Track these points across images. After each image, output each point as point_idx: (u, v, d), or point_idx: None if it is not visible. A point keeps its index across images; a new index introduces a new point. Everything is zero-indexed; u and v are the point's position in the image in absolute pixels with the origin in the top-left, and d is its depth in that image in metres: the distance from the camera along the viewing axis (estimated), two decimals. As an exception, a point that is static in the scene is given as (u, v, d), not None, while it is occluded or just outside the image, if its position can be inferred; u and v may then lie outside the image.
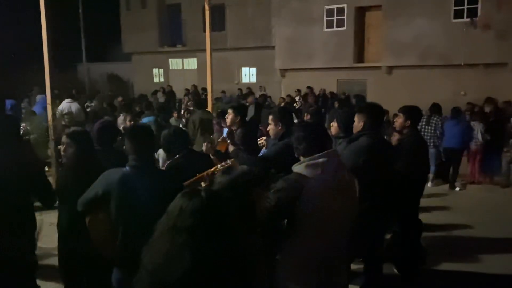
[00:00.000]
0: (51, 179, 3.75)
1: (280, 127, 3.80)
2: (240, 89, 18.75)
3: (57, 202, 3.41)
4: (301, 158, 2.51)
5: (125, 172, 2.76)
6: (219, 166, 3.05)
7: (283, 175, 3.36)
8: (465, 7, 14.61)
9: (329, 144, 2.88)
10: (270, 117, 3.89)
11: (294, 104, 14.37)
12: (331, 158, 2.44)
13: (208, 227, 1.48)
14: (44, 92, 7.58)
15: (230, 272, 1.49)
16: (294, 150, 2.59)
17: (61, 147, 3.33)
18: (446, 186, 8.43)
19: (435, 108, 8.37)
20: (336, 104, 11.55)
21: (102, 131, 3.86)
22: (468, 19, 14.28)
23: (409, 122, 4.40)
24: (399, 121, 4.49)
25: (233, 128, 4.92)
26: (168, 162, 3.66)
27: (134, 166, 2.78)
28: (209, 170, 3.05)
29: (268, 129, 3.98)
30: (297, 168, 2.44)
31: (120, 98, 14.57)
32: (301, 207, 2.31)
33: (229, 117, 4.91)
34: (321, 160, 2.39)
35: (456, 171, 8.36)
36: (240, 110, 5.03)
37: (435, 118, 8.08)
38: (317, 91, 16.36)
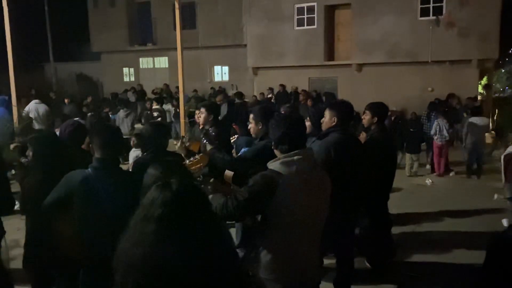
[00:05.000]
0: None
1: (260, 127, 3.78)
2: (212, 88, 18.68)
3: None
4: (278, 154, 2.52)
5: (87, 174, 2.72)
6: (187, 161, 3.03)
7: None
8: (431, 5, 14.99)
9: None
10: (251, 116, 3.88)
11: (272, 101, 14.52)
12: (306, 156, 2.47)
13: (177, 218, 1.56)
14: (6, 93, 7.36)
15: (202, 262, 1.55)
16: (273, 143, 2.56)
17: (28, 151, 3.28)
18: (416, 179, 8.69)
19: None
20: (310, 103, 11.74)
21: (72, 132, 3.79)
22: (434, 17, 14.68)
23: (376, 118, 4.51)
24: (366, 118, 4.60)
25: (206, 127, 4.88)
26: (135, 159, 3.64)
27: (96, 167, 2.74)
28: None
29: (249, 127, 3.97)
30: (272, 165, 2.46)
31: (89, 99, 14.37)
32: (275, 204, 2.34)
33: (202, 116, 4.86)
34: (296, 157, 2.41)
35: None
36: (213, 109, 4.99)
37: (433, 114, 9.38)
38: (289, 89, 16.49)
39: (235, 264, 1.86)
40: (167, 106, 13.12)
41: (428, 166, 9.60)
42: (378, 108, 4.56)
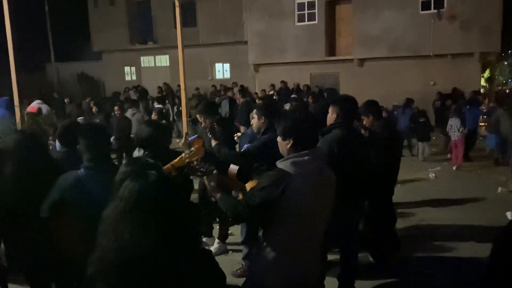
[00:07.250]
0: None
1: (263, 121, 3.82)
2: (214, 86, 18.66)
3: None
4: (285, 152, 2.48)
5: (78, 175, 2.66)
6: (183, 155, 3.00)
7: (265, 168, 3.38)
8: (432, -2, 14.96)
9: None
10: (254, 111, 3.94)
11: (274, 97, 14.51)
12: (316, 156, 2.44)
13: (151, 205, 1.61)
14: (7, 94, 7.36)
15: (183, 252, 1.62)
16: (283, 139, 2.50)
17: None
18: (419, 174, 8.70)
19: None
20: (310, 99, 11.69)
21: (66, 132, 3.77)
22: (435, 11, 14.60)
23: (371, 116, 4.51)
24: (365, 120, 4.61)
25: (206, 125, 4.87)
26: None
27: (88, 167, 2.68)
28: (174, 161, 3.00)
29: (251, 122, 4.00)
30: (281, 164, 2.42)
31: (88, 99, 14.42)
32: (283, 203, 2.32)
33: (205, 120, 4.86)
34: (306, 157, 2.38)
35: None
36: (212, 110, 4.97)
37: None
38: (290, 85, 16.48)
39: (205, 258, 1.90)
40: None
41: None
42: (368, 107, 4.56)
